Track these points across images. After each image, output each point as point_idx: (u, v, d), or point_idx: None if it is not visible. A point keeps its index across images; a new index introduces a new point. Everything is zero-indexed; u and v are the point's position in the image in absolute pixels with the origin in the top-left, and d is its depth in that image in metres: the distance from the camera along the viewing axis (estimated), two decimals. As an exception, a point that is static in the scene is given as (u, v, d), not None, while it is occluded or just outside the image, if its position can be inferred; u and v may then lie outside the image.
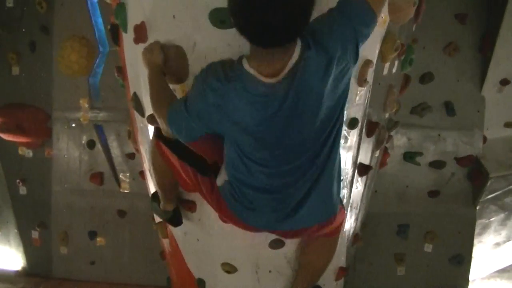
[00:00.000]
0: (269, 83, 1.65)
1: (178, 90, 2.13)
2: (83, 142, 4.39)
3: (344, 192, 2.56)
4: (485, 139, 4.13)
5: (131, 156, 4.24)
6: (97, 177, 4.39)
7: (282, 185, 1.94)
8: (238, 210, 2.05)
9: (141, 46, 2.17)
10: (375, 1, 1.76)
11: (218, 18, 1.93)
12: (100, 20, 4.03)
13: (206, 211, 2.37)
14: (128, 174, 4.33)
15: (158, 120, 2.03)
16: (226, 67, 1.76)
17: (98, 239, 4.57)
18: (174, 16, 2.04)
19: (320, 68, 1.66)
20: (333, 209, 2.13)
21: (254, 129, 1.77)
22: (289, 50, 1.63)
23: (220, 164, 2.08)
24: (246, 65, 1.68)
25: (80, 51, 3.83)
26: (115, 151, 4.35)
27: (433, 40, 3.86)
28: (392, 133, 3.52)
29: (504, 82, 4.03)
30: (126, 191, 4.40)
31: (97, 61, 4.10)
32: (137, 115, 2.53)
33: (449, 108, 4.01)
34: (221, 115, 1.77)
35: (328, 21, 1.71)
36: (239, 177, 1.96)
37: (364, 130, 2.58)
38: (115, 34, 2.63)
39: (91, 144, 4.35)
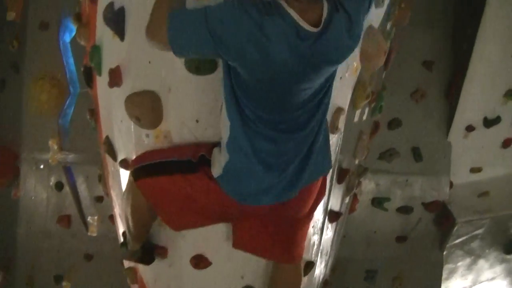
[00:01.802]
0: (309, 31, 1.59)
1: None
2: (51, 183, 4.30)
3: (314, 238, 2.56)
4: (451, 184, 4.22)
5: (99, 199, 4.16)
6: (65, 220, 4.29)
7: (286, 148, 1.89)
8: (243, 193, 1.96)
9: (116, 90, 2.17)
10: None
11: (193, 65, 1.95)
12: (71, 60, 4.02)
13: (178, 256, 2.34)
14: (96, 217, 4.25)
15: (150, 24, 1.75)
16: (260, 1, 1.62)
17: (64, 283, 4.42)
18: (149, 62, 2.05)
19: (344, 27, 1.66)
20: (330, 161, 2.16)
21: (281, 69, 1.66)
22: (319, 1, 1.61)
23: (209, 156, 2.00)
24: (284, 5, 1.58)
25: (51, 91, 3.82)
26: (84, 193, 4.26)
27: (401, 86, 3.97)
28: (361, 178, 3.56)
29: (469, 129, 4.17)
30: (94, 234, 4.29)
31: (67, 102, 4.06)
32: (109, 159, 2.50)
33: (416, 154, 4.10)
34: (256, 47, 1.59)
35: None
36: (242, 155, 1.86)
37: (335, 176, 2.60)
38: (88, 76, 2.61)
39: (59, 186, 4.26)
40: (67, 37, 4.02)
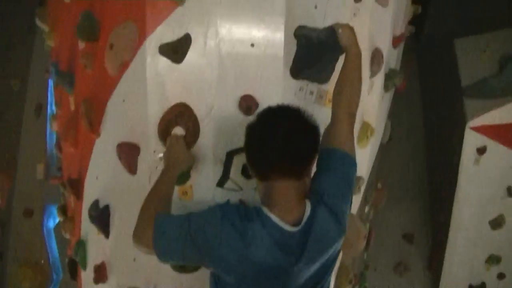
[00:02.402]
0: (289, 231, 1.61)
1: None
2: None
3: None
4: None
5: None
6: None
7: None
8: None
9: (101, 286, 2.17)
10: (351, 146, 1.83)
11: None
12: (55, 246, 4.03)
13: None
14: None
15: (136, 228, 1.73)
16: (243, 208, 1.69)
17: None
18: (134, 259, 2.08)
19: (331, 228, 1.67)
20: None
21: (267, 272, 1.64)
22: (302, 201, 1.65)
23: None
24: (265, 210, 1.63)
25: (33, 278, 3.77)
26: None
27: (384, 261, 3.99)
28: None
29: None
30: None
31: (50, 289, 3.98)
32: None
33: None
34: (234, 251, 1.59)
35: (328, 181, 1.74)
36: None
37: None
38: (73, 269, 2.62)
39: None
40: (51, 224, 4.07)
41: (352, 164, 1.81)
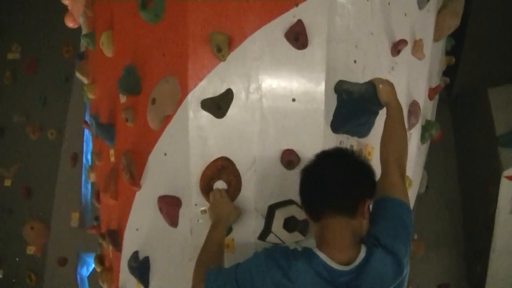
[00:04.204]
0: (338, 270, 1.59)
1: None
2: None
3: None
4: None
5: None
6: None
7: None
8: None
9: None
10: (405, 195, 1.83)
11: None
12: (89, 297, 4.03)
13: None
14: None
15: (192, 282, 1.80)
16: (290, 249, 1.70)
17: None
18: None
19: (388, 268, 1.62)
20: None
21: None
22: (356, 244, 1.64)
23: None
24: (315, 249, 1.64)
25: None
26: None
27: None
28: None
29: None
30: None
31: None
32: None
33: None
34: None
35: (385, 226, 1.72)
36: None
37: None
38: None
39: None
40: (85, 272, 4.08)
41: (408, 211, 1.79)
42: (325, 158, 1.73)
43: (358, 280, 1.59)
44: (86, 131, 4.34)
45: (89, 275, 4.06)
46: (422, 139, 2.63)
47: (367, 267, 1.60)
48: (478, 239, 4.12)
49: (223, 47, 1.97)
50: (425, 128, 2.63)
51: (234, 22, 2.01)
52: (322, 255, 1.61)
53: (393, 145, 1.92)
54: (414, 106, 2.42)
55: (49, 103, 4.84)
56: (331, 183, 1.64)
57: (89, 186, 4.37)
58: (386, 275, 1.64)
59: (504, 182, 3.66)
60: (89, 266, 4.09)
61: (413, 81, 2.42)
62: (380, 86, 2.00)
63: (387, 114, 1.99)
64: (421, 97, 2.53)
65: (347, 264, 1.61)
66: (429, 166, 3.03)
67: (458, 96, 4.45)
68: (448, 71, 3.19)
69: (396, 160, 1.88)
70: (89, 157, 4.36)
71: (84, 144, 4.46)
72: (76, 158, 4.47)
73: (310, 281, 1.58)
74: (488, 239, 3.90)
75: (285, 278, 1.58)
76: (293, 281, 1.58)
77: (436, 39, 2.62)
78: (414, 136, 2.49)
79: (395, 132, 1.94)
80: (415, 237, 2.99)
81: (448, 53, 3.13)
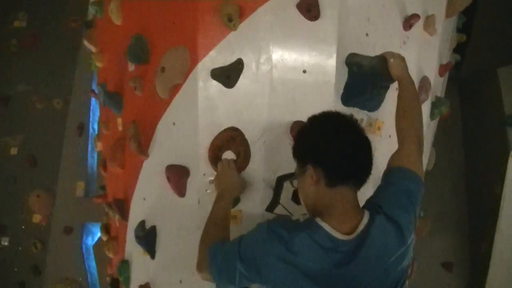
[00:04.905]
0: (341, 239, 1.60)
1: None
2: None
3: None
4: None
5: None
6: None
7: None
8: None
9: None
10: (420, 168, 1.83)
11: None
12: (93, 264, 4.07)
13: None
14: None
15: (197, 259, 1.80)
16: (292, 221, 1.73)
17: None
18: (180, 281, 2.09)
19: (390, 236, 1.63)
20: None
21: (319, 280, 1.60)
22: (360, 209, 1.66)
23: None
24: (317, 219, 1.63)
25: (70, 295, 3.78)
26: None
27: (423, 289, 3.92)
28: None
29: None
30: None
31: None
32: None
33: None
34: (282, 262, 1.59)
35: (389, 193, 1.74)
36: None
37: None
38: (115, 288, 2.63)
39: None
40: (90, 242, 4.11)
41: (418, 182, 1.78)
42: (346, 126, 1.67)
43: (361, 248, 1.59)
44: (93, 100, 4.34)
45: (94, 244, 4.09)
46: (432, 115, 2.61)
47: (369, 234, 1.60)
48: (483, 219, 4.12)
49: (234, 17, 1.95)
50: (434, 105, 2.61)
51: (246, -8, 1.98)
52: (325, 226, 1.60)
53: (408, 118, 1.90)
54: (424, 82, 2.40)
55: (55, 72, 4.82)
56: (362, 156, 1.64)
57: (95, 156, 4.38)
58: (389, 242, 1.63)
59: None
60: (94, 235, 4.13)
61: (424, 56, 2.40)
62: (391, 60, 1.98)
63: (399, 88, 1.97)
64: (432, 73, 2.51)
65: (350, 233, 1.61)
66: (435, 145, 3.02)
67: (466, 75, 4.41)
68: (459, 49, 3.15)
69: (415, 131, 1.88)
70: (95, 126, 4.36)
71: (91, 114, 4.45)
72: (82, 127, 4.47)
73: (313, 253, 1.58)
74: (493, 219, 3.89)
75: (288, 250, 1.58)
76: (296, 253, 1.57)
77: (447, 15, 2.58)
78: (424, 112, 2.47)
79: (410, 106, 1.93)
80: (421, 214, 2.98)
81: (459, 30, 3.09)
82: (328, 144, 1.63)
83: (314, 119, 1.72)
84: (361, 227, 1.61)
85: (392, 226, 1.63)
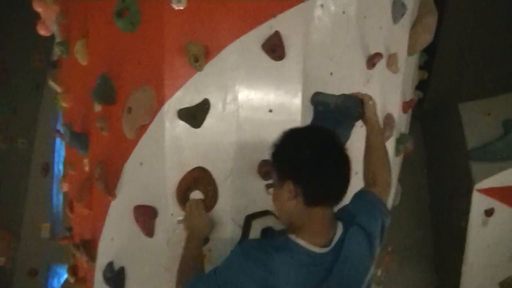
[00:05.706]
0: (319, 253, 1.59)
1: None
2: None
3: None
4: None
5: None
6: None
7: None
8: None
9: None
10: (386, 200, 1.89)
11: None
12: (59, 307, 3.94)
13: None
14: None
15: None
16: (267, 240, 1.71)
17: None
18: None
19: (362, 244, 1.67)
20: None
21: None
22: (335, 222, 1.66)
23: None
24: (292, 237, 1.61)
25: None
26: None
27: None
28: None
29: None
30: None
31: None
32: None
33: None
34: (261, 283, 1.55)
35: (362, 205, 1.79)
36: None
37: None
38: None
39: None
40: (56, 284, 4.00)
41: (384, 208, 1.84)
42: (328, 144, 1.64)
43: (338, 260, 1.61)
44: (58, 141, 4.27)
45: (60, 286, 3.96)
46: (397, 152, 2.66)
47: (343, 245, 1.62)
48: (449, 252, 4.17)
49: (200, 57, 1.97)
50: (399, 141, 2.67)
51: (211, 33, 2.00)
52: (302, 242, 1.60)
53: (378, 157, 1.96)
54: (388, 119, 2.46)
55: (19, 112, 4.74)
56: (344, 180, 1.63)
57: (61, 196, 4.29)
58: (363, 252, 1.68)
59: (476, 195, 3.71)
60: (60, 277, 4.01)
61: (388, 94, 2.46)
62: (370, 102, 2.01)
63: (369, 128, 2.01)
64: (396, 110, 2.57)
65: (327, 245, 1.62)
66: (401, 180, 3.07)
67: (428, 110, 4.53)
68: (421, 86, 3.24)
69: (385, 175, 1.94)
70: (61, 167, 4.28)
71: (56, 154, 4.38)
72: (47, 168, 4.39)
73: (293, 272, 1.57)
74: (460, 252, 3.95)
75: (267, 272, 1.55)
76: (277, 275, 1.55)
77: (409, 53, 2.67)
78: (388, 149, 2.51)
79: (379, 145, 1.99)
80: (389, 249, 3.01)
81: (421, 67, 3.19)
82: (314, 169, 1.59)
83: (300, 132, 1.71)
84: (336, 238, 1.63)
85: (364, 235, 1.68)
